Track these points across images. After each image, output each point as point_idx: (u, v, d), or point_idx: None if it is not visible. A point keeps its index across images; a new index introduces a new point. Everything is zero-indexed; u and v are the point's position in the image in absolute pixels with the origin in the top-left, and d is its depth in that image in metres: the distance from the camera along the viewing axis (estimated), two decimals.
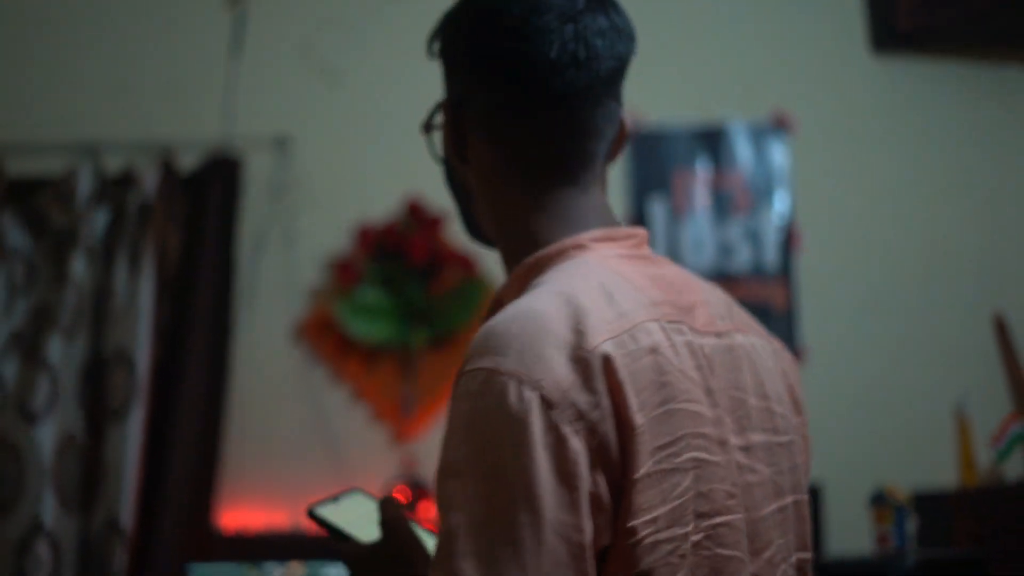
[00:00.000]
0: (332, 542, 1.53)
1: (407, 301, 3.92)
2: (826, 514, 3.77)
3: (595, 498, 1.34)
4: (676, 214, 4.12)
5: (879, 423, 4.05)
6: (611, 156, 1.56)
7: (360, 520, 1.58)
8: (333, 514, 1.57)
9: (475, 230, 1.64)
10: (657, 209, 4.12)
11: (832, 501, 3.81)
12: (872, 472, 3.63)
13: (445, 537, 1.32)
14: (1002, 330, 3.22)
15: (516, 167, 1.53)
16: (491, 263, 3.95)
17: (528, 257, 1.50)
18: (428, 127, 1.60)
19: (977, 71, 4.24)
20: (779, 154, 4.18)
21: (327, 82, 4.09)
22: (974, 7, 4.17)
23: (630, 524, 1.35)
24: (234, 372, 3.89)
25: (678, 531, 1.39)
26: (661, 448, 1.39)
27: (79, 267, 3.74)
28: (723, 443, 1.46)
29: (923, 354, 4.10)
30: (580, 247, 1.49)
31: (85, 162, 3.86)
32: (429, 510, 3.79)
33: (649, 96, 3.95)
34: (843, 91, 4.25)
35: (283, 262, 3.99)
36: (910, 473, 3.60)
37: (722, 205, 4.14)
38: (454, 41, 1.55)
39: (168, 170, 3.85)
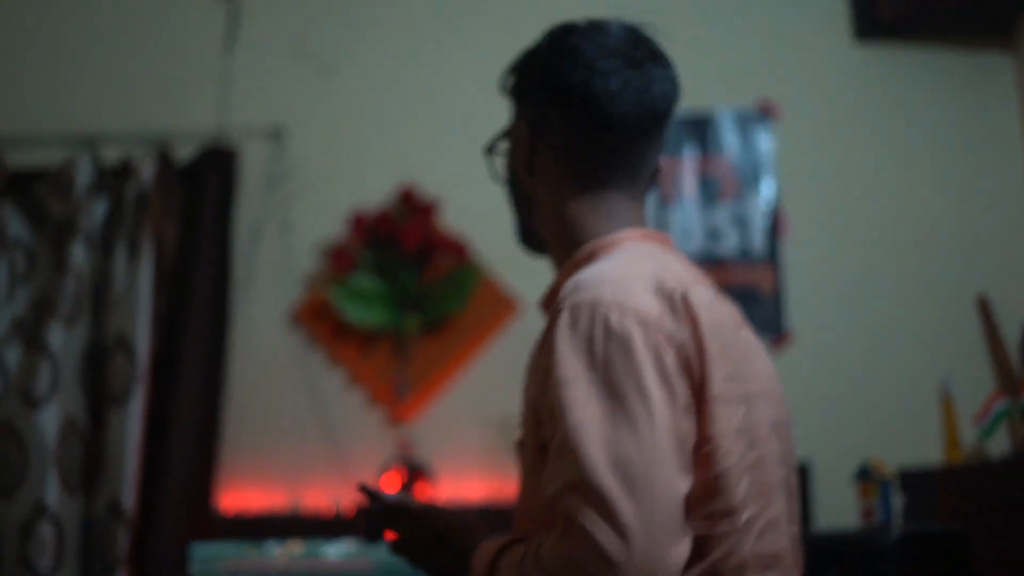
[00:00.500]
0: (380, 515, 1.85)
1: (401, 287, 3.98)
2: (813, 491, 3.83)
3: (685, 405, 1.64)
4: (664, 201, 4.18)
5: (865, 403, 4.10)
6: (650, 181, 1.90)
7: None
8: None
9: (530, 237, 1.94)
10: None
11: (819, 479, 3.86)
12: (858, 451, 3.68)
13: (566, 434, 1.58)
14: (986, 311, 3.28)
15: (578, 177, 1.85)
16: (483, 250, 4.00)
17: (586, 246, 1.82)
18: (491, 150, 1.94)
19: (957, 59, 4.29)
20: (765, 141, 4.24)
21: (321, 74, 4.14)
22: None
23: (710, 432, 1.65)
24: (232, 357, 3.93)
25: (740, 448, 1.69)
26: (726, 379, 1.69)
27: (79, 256, 3.79)
28: (756, 391, 1.77)
29: (908, 335, 4.15)
30: (629, 239, 1.81)
31: (83, 153, 3.91)
32: (425, 490, 3.85)
33: None
34: (827, 79, 4.30)
35: (279, 250, 4.05)
36: (896, 452, 3.64)
37: (709, 191, 4.20)
38: (535, 72, 1.88)
39: (165, 161, 3.90)
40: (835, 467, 3.70)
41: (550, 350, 1.65)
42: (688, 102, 2.11)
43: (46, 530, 3.59)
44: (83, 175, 3.87)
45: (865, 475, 2.96)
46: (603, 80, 1.82)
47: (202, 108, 4.03)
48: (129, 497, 3.64)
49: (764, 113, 4.24)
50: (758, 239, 4.17)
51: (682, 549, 1.59)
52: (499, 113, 1.97)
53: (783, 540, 1.74)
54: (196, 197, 3.93)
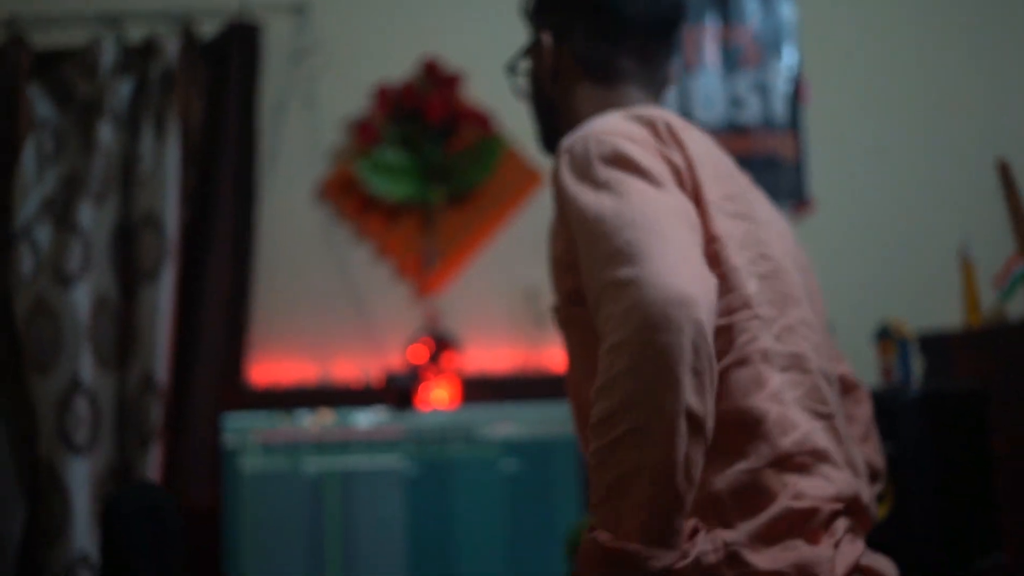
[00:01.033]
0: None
1: (426, 159, 4.00)
2: None
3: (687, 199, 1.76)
4: (687, 69, 4.18)
5: (886, 268, 4.12)
6: (663, 85, 2.11)
7: None
8: None
9: (553, 143, 2.13)
10: None
11: (841, 343, 3.90)
12: (880, 315, 3.72)
13: (594, 235, 1.66)
14: (1006, 175, 3.29)
15: (598, 76, 2.06)
16: (508, 121, 4.01)
17: None
18: (513, 69, 2.16)
19: None
20: (787, 8, 4.22)
21: None
22: None
23: (714, 232, 1.78)
24: (260, 232, 3.97)
25: (749, 255, 1.81)
26: (723, 198, 1.83)
27: (106, 135, 3.81)
28: (755, 213, 1.90)
29: (928, 200, 4.16)
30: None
31: (108, 33, 3.92)
32: (452, 360, 3.90)
33: None
34: None
35: (304, 125, 4.06)
36: (916, 316, 3.68)
37: (731, 59, 4.19)
38: None
39: (189, 38, 3.91)
40: (857, 331, 3.74)
41: (560, 194, 1.79)
42: None
43: (81, 405, 3.65)
44: (108, 55, 3.88)
45: (885, 334, 3.00)
46: None
47: None
48: (162, 371, 3.70)
49: None
50: (780, 107, 4.17)
51: (713, 281, 1.64)
52: None
53: (805, 344, 1.82)
54: (221, 74, 3.93)
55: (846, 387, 2.12)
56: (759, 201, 1.98)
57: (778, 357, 1.77)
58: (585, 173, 1.76)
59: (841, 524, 1.71)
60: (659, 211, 1.67)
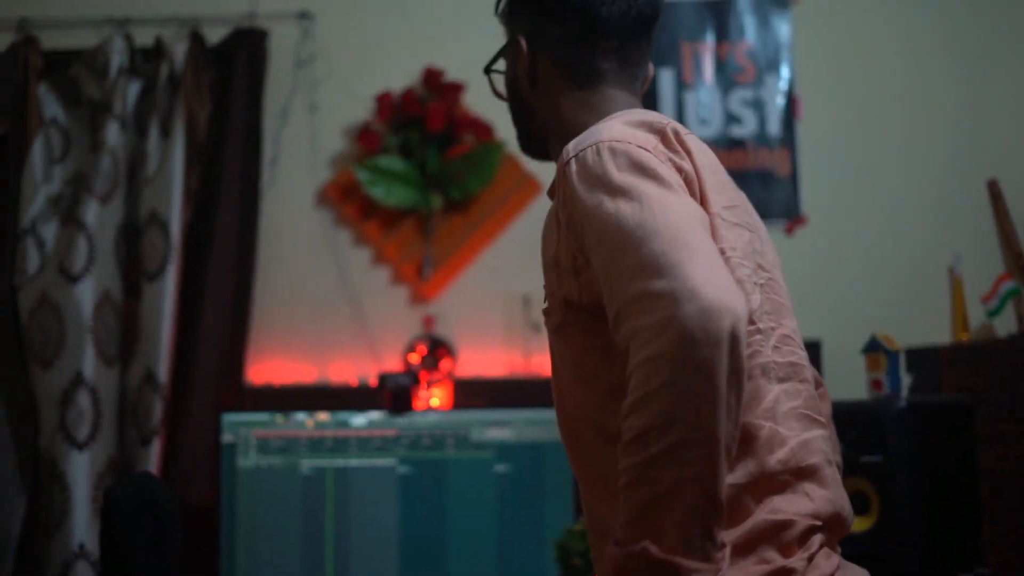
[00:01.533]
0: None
1: (426, 166, 4.05)
2: (825, 369, 3.90)
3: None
4: (684, 84, 4.23)
5: (876, 284, 4.17)
6: (643, 84, 2.05)
7: None
8: None
9: (532, 145, 2.08)
10: (665, 80, 4.24)
11: (830, 358, 3.95)
12: (869, 330, 3.75)
13: (616, 246, 1.63)
14: (996, 195, 3.34)
15: (576, 79, 2.00)
16: (507, 130, 4.04)
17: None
18: (489, 70, 2.08)
19: None
20: (783, 26, 4.28)
21: None
22: None
23: (721, 245, 1.76)
24: (261, 234, 4.02)
25: (751, 266, 1.80)
26: (726, 207, 1.81)
27: (113, 136, 3.86)
28: (755, 225, 1.90)
29: (918, 217, 4.22)
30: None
31: (117, 36, 3.97)
32: (447, 364, 3.94)
33: None
34: None
35: (307, 130, 4.12)
36: (905, 333, 3.71)
37: (727, 75, 4.25)
38: None
39: (197, 42, 3.97)
40: (847, 346, 3.77)
41: (569, 202, 1.75)
42: None
43: (84, 400, 3.69)
44: (117, 56, 3.93)
45: (874, 347, 3.03)
46: None
47: None
48: (163, 368, 3.75)
49: None
50: (775, 123, 4.22)
51: (742, 292, 1.65)
52: None
53: (799, 353, 1.83)
54: (227, 77, 3.99)
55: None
56: (753, 210, 1.97)
57: (777, 368, 1.78)
58: (599, 181, 1.71)
59: (817, 539, 1.72)
60: (682, 219, 1.64)
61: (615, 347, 1.63)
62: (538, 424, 3.67)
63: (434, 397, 3.85)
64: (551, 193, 1.88)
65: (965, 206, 4.11)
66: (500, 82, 2.09)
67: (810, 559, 1.70)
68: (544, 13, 2.01)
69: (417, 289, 4.07)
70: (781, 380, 1.78)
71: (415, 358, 3.94)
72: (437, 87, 4.08)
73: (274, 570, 3.64)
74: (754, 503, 1.70)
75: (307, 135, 4.11)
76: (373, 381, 3.90)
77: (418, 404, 3.78)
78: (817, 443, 1.78)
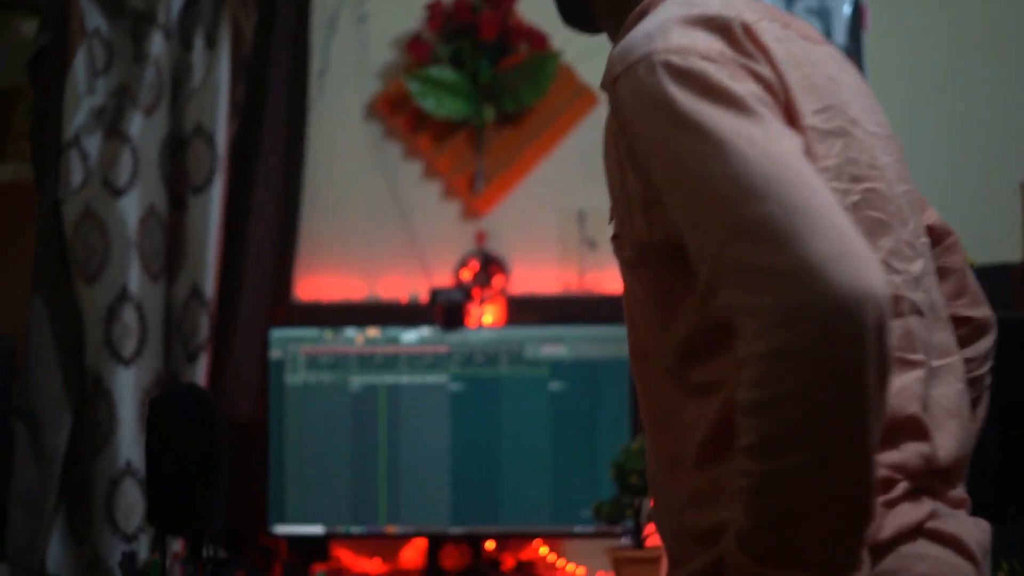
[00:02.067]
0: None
1: (478, 77, 3.95)
2: None
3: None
4: None
5: (946, 201, 4.05)
6: None
7: None
8: None
9: (573, 13, 1.82)
10: None
11: None
12: None
13: (685, 199, 1.43)
14: None
15: None
16: (561, 39, 3.96)
17: (638, 7, 1.68)
18: None
19: None
20: None
21: None
22: None
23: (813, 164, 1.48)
24: (309, 148, 3.96)
25: (840, 185, 1.56)
26: (816, 112, 1.57)
27: (157, 47, 3.78)
28: (855, 121, 1.64)
29: (989, 133, 4.09)
30: None
31: None
32: (499, 281, 3.87)
33: None
34: None
35: (355, 41, 4.03)
36: (975, 249, 3.62)
37: None
38: None
39: None
40: None
41: (627, 129, 1.53)
42: None
43: (129, 315, 3.65)
44: None
45: None
46: None
47: None
48: (209, 283, 3.70)
49: None
50: (840, 35, 4.11)
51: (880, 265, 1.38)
52: None
53: (897, 279, 1.61)
54: None
55: (936, 237, 1.91)
56: (852, 92, 1.69)
57: None
58: (661, 111, 1.47)
59: (902, 486, 1.56)
60: (784, 166, 1.39)
61: (702, 298, 1.46)
62: (594, 341, 3.59)
63: (486, 314, 3.78)
64: (604, 85, 1.61)
65: None
66: None
67: (889, 505, 1.55)
68: None
69: (469, 204, 3.99)
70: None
71: (467, 274, 3.87)
72: None
73: (324, 489, 3.62)
74: None
75: (355, 46, 4.03)
76: (424, 298, 3.84)
77: (470, 321, 3.72)
78: (912, 388, 1.60)
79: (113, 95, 3.78)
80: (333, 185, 4.00)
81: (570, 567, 3.67)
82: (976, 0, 4.16)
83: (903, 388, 1.58)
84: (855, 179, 1.61)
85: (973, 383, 1.85)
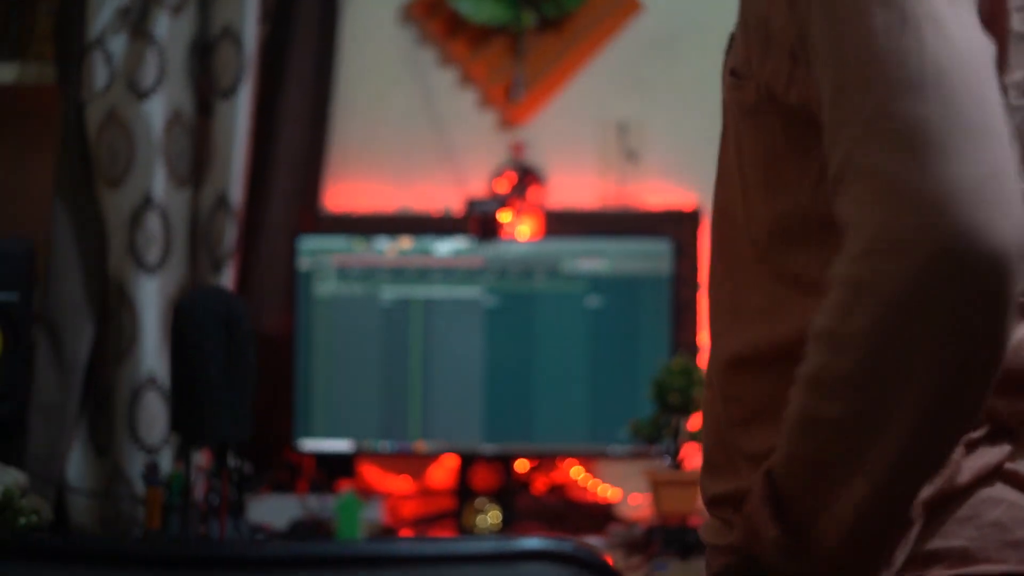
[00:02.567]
0: None
1: None
2: None
3: None
4: None
5: None
6: None
7: None
8: None
9: None
10: None
11: None
12: None
13: (856, 69, 1.22)
14: None
15: None
16: None
17: None
18: None
19: None
20: None
21: None
22: None
23: (1002, 81, 1.28)
24: (341, 52, 3.85)
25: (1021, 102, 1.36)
26: (1018, 9, 1.34)
27: None
28: None
29: None
30: None
31: None
32: (536, 192, 3.76)
33: None
34: None
35: None
36: None
37: None
38: None
39: None
40: None
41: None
42: None
43: (153, 222, 3.56)
44: None
45: None
46: None
47: None
48: (237, 190, 3.60)
49: None
50: None
51: None
52: None
53: None
54: None
55: None
56: None
57: None
58: None
59: (985, 428, 1.43)
60: (966, 65, 1.17)
61: (826, 181, 1.27)
62: (634, 255, 3.48)
63: (523, 226, 3.68)
64: None
65: None
66: None
67: (970, 446, 1.42)
68: None
69: (506, 113, 3.86)
70: None
71: (503, 186, 3.76)
72: None
73: (353, 403, 3.55)
74: None
75: None
76: (457, 210, 3.74)
77: (506, 233, 3.62)
78: None
79: None
80: (365, 91, 3.89)
81: (603, 489, 3.59)
82: None
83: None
84: None
85: None
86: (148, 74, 3.59)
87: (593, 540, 3.28)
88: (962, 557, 1.42)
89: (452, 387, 3.51)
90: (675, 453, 3.21)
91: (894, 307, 1.15)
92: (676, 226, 3.58)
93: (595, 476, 3.63)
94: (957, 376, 1.16)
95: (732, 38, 1.49)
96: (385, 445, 3.54)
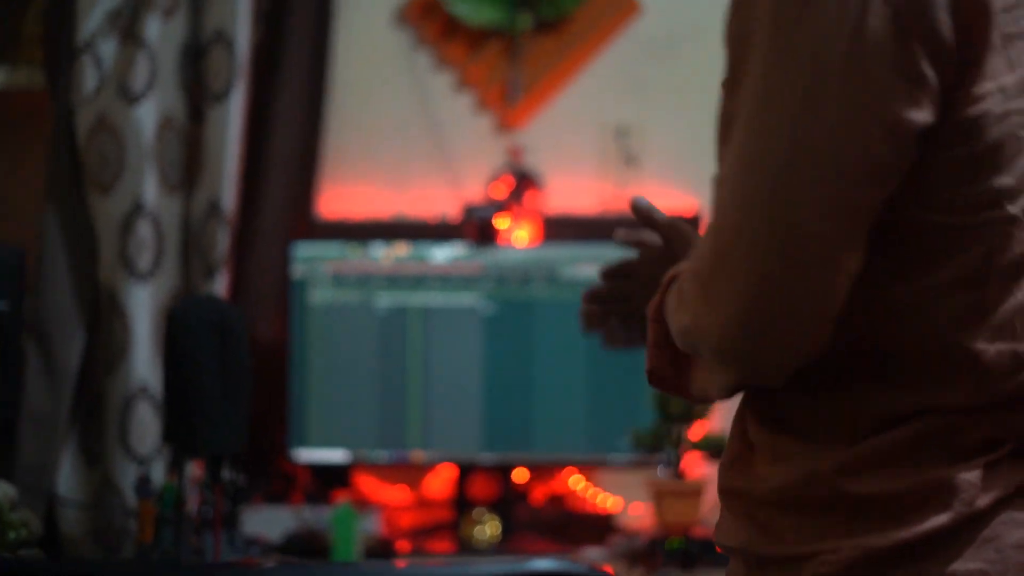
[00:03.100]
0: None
1: None
2: None
3: (914, 75, 1.24)
4: None
5: None
6: None
7: None
8: None
9: None
10: None
11: None
12: None
13: (745, 120, 1.34)
14: None
15: None
16: None
17: None
18: None
19: None
20: None
21: None
22: None
23: (978, 90, 1.26)
24: (335, 55, 3.82)
25: (1018, 105, 1.30)
26: (1005, 9, 1.28)
27: None
28: None
29: None
30: None
31: None
32: (533, 197, 3.74)
33: None
34: None
35: None
36: None
37: None
38: None
39: None
40: None
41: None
42: None
43: (145, 228, 3.52)
44: None
45: None
46: None
47: None
48: (229, 196, 3.57)
49: None
50: None
51: (853, 262, 1.27)
52: None
53: None
54: None
55: None
56: None
57: None
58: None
59: (1008, 447, 1.38)
60: (824, 155, 1.26)
61: None
62: None
63: (521, 231, 3.65)
64: None
65: None
66: None
67: (991, 466, 1.38)
68: None
69: (503, 116, 3.84)
70: None
71: (500, 191, 3.74)
72: None
73: (349, 412, 3.53)
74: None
75: None
76: (454, 215, 3.71)
77: (503, 239, 3.59)
78: None
79: None
80: (360, 95, 3.87)
81: (604, 499, 3.56)
82: None
83: None
84: None
85: None
86: (139, 78, 3.55)
87: (594, 551, 3.25)
88: None
89: (449, 396, 3.49)
90: (677, 463, 3.19)
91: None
92: None
93: (595, 486, 3.60)
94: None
95: None
96: (381, 455, 3.52)
